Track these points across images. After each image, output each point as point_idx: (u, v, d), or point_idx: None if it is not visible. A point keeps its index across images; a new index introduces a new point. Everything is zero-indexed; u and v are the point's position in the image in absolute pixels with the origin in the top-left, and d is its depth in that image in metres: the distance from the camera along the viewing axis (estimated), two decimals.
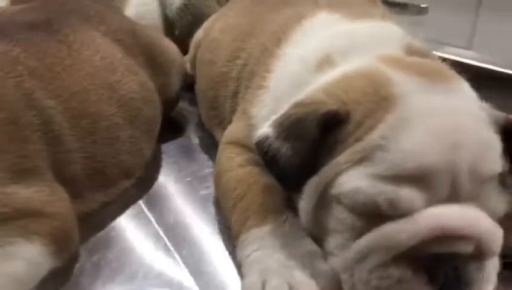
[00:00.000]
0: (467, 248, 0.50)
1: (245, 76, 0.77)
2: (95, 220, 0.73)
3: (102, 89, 0.74)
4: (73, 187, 0.70)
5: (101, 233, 0.72)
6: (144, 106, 0.81)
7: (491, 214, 0.51)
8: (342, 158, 0.53)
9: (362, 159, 0.52)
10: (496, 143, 0.52)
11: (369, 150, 0.51)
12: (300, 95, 0.60)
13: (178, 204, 0.77)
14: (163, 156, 0.90)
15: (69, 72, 0.72)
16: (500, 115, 0.58)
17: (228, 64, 0.82)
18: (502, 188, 0.52)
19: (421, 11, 1.40)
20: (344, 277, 0.55)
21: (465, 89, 0.56)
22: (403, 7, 1.39)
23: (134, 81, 0.80)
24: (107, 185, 0.75)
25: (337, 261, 0.55)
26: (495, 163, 0.51)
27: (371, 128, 0.52)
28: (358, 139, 0.52)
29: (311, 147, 0.55)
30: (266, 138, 0.57)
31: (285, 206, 0.61)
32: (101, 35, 0.84)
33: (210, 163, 0.86)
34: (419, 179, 0.49)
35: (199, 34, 1.08)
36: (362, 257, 0.53)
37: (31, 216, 0.58)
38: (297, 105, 0.58)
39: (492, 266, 0.53)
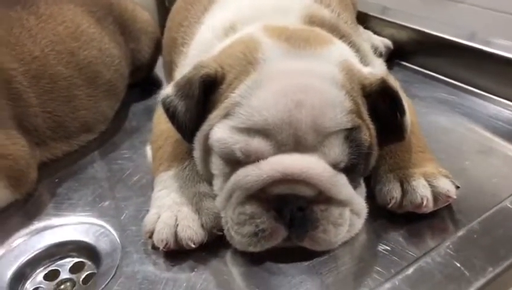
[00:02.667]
0: (308, 191, 0.59)
1: (181, 44, 0.87)
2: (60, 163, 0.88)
3: (62, 54, 0.87)
4: (37, 136, 0.84)
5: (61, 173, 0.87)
6: (104, 69, 0.93)
7: (333, 164, 0.59)
8: (213, 113, 0.63)
9: (226, 114, 0.61)
10: (342, 102, 0.60)
11: (231, 107, 0.61)
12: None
13: (124, 153, 0.90)
14: (129, 115, 1.03)
15: (34, 39, 0.85)
16: (374, 79, 0.65)
17: (177, 30, 0.92)
18: (348, 142, 0.60)
19: None
20: (222, 213, 0.65)
21: (329, 54, 0.63)
22: None
23: (95, 47, 0.93)
24: (69, 137, 0.89)
25: (217, 201, 0.66)
26: (338, 120, 0.59)
27: (235, 88, 0.61)
28: (226, 97, 0.62)
29: (197, 104, 0.64)
30: (167, 96, 0.68)
31: (189, 155, 0.72)
32: (73, 6, 0.97)
33: None
34: (266, 131, 0.58)
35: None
36: (228, 197, 0.63)
37: None
38: (192, 68, 0.67)
39: (340, 213, 0.61)
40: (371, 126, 0.64)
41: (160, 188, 0.70)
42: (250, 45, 0.63)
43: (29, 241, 0.73)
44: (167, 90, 0.69)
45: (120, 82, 0.98)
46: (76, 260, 0.72)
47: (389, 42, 1.10)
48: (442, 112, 0.95)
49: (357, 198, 0.64)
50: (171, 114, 0.67)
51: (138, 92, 1.09)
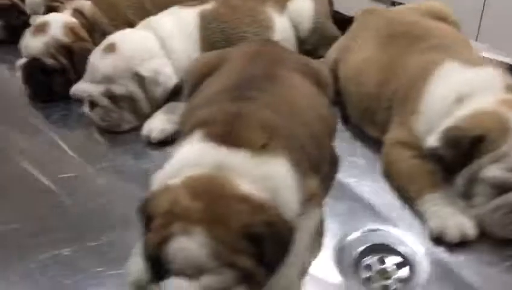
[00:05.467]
0: None
1: (397, 100, 1.26)
2: None
3: (310, 109, 1.22)
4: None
5: None
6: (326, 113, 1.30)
7: None
8: (485, 159, 1.05)
9: (496, 160, 1.04)
10: None
11: (499, 156, 1.03)
12: (449, 120, 1.10)
13: None
14: None
15: (291, 107, 1.18)
16: None
17: (378, 88, 1.31)
18: None
19: None
20: (483, 217, 1.07)
21: None
22: None
23: (320, 101, 1.29)
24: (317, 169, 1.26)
25: (479, 209, 1.07)
26: None
27: (499, 145, 1.03)
28: (492, 150, 1.04)
29: (464, 153, 1.06)
30: (435, 148, 1.09)
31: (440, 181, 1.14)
32: (291, 72, 1.31)
33: None
34: None
35: (331, 53, 1.56)
36: (496, 209, 1.05)
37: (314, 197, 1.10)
38: (452, 129, 1.08)
39: None
40: None
41: (431, 205, 1.12)
42: (502, 117, 1.06)
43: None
44: (432, 143, 1.10)
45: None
46: None
47: None
48: None
49: None
50: (438, 159, 1.09)
51: None
